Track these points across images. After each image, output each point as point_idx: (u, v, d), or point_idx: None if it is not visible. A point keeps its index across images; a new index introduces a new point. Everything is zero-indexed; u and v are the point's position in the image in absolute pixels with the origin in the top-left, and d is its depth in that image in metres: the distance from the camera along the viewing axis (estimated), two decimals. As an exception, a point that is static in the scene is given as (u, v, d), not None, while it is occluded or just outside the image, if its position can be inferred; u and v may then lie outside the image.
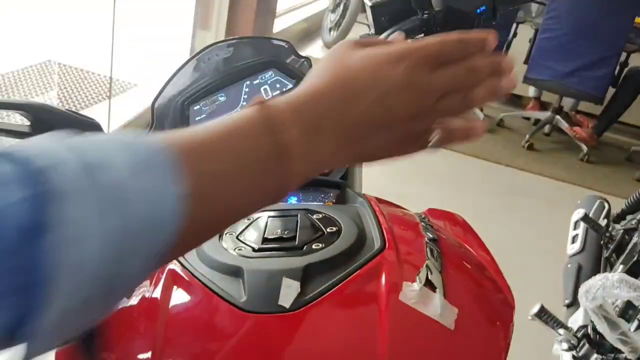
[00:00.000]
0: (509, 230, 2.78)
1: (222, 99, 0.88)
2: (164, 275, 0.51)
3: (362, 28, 5.93)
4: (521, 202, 3.33)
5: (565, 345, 1.61)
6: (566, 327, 1.65)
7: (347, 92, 0.43)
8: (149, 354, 0.45)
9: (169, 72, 0.88)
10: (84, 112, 3.15)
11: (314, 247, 0.52)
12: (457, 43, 0.46)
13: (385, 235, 0.55)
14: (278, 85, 0.90)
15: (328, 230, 0.55)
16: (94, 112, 3.16)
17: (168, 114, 0.86)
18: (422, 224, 0.63)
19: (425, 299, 0.48)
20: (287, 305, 0.46)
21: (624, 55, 4.12)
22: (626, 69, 4.15)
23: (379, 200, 0.67)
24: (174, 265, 0.52)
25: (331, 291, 0.47)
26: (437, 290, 0.49)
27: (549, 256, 2.43)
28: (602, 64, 3.80)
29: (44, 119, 0.59)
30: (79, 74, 3.59)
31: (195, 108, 0.86)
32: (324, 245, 0.52)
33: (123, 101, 3.31)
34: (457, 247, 0.63)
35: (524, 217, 3.11)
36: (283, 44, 0.95)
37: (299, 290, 0.47)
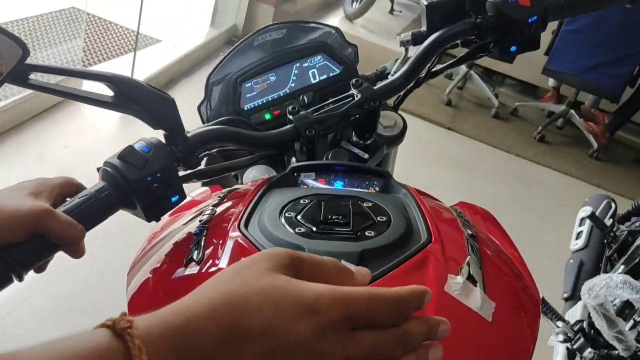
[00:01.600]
0: (514, 220, 2.83)
1: (272, 78, 0.92)
2: (231, 246, 0.56)
3: (385, 2, 5.88)
4: (528, 193, 3.38)
5: (561, 337, 1.69)
6: (564, 320, 1.72)
7: (232, 335, 0.34)
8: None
9: (192, 31, 0.91)
10: (108, 63, 3.17)
11: (367, 234, 0.57)
12: (392, 303, 0.38)
13: (430, 228, 0.60)
14: (326, 69, 0.94)
15: (378, 219, 0.60)
16: (118, 64, 3.19)
17: (221, 88, 0.91)
18: (460, 219, 0.68)
19: (468, 292, 0.54)
20: (345, 286, 0.51)
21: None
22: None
23: (419, 192, 0.72)
24: (239, 238, 0.57)
25: (384, 277, 0.53)
26: (478, 284, 0.55)
27: (551, 249, 2.49)
28: (623, 63, 3.80)
29: (126, 92, 0.63)
30: (105, 25, 3.60)
31: (247, 85, 0.90)
32: (376, 233, 0.57)
33: (147, 55, 3.34)
34: (491, 243, 0.68)
35: (530, 208, 3.17)
36: (332, 30, 0.98)
37: (356, 273, 0.52)
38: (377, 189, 0.73)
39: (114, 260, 1.20)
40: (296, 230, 0.58)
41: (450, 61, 0.94)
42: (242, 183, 0.88)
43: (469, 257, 0.57)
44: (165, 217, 0.71)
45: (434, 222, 0.61)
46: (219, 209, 0.68)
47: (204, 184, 0.90)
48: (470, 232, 0.63)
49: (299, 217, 0.60)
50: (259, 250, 0.55)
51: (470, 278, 0.55)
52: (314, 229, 0.58)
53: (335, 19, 5.36)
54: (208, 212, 0.66)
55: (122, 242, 1.18)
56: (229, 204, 0.69)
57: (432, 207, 0.67)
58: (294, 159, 0.84)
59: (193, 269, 0.56)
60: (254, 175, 0.85)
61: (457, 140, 3.78)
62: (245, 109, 0.90)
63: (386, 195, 0.69)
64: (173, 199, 0.65)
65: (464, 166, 3.48)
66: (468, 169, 3.46)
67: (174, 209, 0.68)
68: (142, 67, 3.05)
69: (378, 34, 5.18)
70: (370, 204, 0.63)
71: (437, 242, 0.57)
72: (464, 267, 0.56)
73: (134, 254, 0.68)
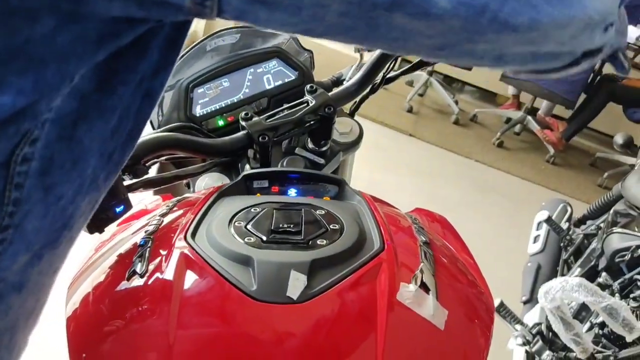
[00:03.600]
0: (474, 225, 2.87)
1: (226, 84, 0.90)
2: (177, 257, 0.54)
3: None
4: (487, 198, 3.44)
5: (520, 341, 1.70)
6: (522, 323, 1.74)
7: None
8: (163, 333, 0.48)
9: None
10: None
11: (318, 242, 0.56)
12: None
13: (383, 235, 0.59)
14: (281, 75, 0.93)
15: (331, 227, 0.59)
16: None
17: (172, 94, 0.88)
18: (415, 225, 0.68)
19: (420, 300, 0.53)
20: (294, 297, 0.49)
21: (598, 62, 4.24)
22: (599, 77, 4.27)
23: (374, 199, 0.71)
24: (185, 249, 0.55)
25: (335, 286, 0.51)
26: (430, 292, 0.54)
27: (509, 253, 2.53)
28: (578, 70, 3.90)
29: None
30: None
31: (199, 91, 0.88)
32: (327, 241, 0.56)
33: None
34: (445, 250, 0.67)
35: (489, 212, 3.22)
36: (287, 35, 0.97)
37: (306, 283, 0.51)
38: (332, 196, 0.72)
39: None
40: (245, 239, 0.56)
41: (406, 67, 0.94)
42: (194, 191, 0.85)
43: (422, 264, 0.56)
44: (114, 226, 0.69)
45: (387, 230, 0.60)
46: (166, 219, 0.65)
47: (156, 193, 0.87)
48: (424, 239, 0.63)
49: (248, 226, 0.58)
50: (206, 262, 0.53)
51: (423, 286, 0.54)
52: (264, 238, 0.56)
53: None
54: (155, 222, 0.64)
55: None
56: (177, 213, 0.67)
57: (387, 214, 0.66)
58: (247, 167, 0.83)
59: (135, 282, 0.54)
60: (207, 183, 0.83)
61: (419, 146, 3.81)
62: (198, 114, 0.87)
63: (340, 203, 0.68)
64: (117, 210, 0.62)
65: (425, 172, 3.51)
66: (429, 174, 3.49)
67: (121, 219, 0.65)
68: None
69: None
70: (323, 212, 0.62)
71: (389, 249, 0.56)
72: (416, 275, 0.55)
73: (75, 265, 0.65)
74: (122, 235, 0.68)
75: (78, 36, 0.33)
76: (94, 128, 0.38)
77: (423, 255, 0.59)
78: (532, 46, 0.39)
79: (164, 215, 0.66)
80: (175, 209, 0.69)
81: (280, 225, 0.58)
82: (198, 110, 0.88)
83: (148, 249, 0.57)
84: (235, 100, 0.90)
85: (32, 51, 0.32)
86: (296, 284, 0.50)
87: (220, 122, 0.88)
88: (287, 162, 0.83)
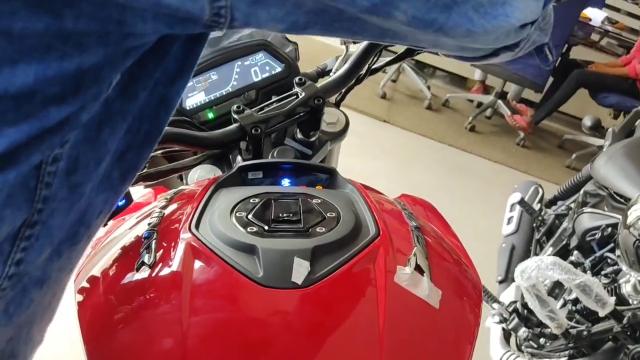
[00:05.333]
0: (449, 208, 2.91)
1: (214, 77, 0.92)
2: (183, 248, 0.57)
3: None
4: (461, 181, 3.51)
5: (497, 319, 1.77)
6: (499, 302, 1.81)
7: None
8: (177, 320, 0.51)
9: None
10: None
11: (318, 230, 0.59)
12: None
13: (378, 222, 0.62)
14: (267, 68, 0.95)
15: (328, 215, 0.62)
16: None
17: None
18: (404, 211, 0.71)
19: (416, 282, 0.56)
20: (299, 282, 0.52)
21: (564, 48, 4.34)
22: (566, 62, 4.38)
23: (365, 187, 0.74)
24: (190, 240, 0.57)
25: (337, 271, 0.54)
26: (425, 273, 0.57)
27: (484, 234, 2.60)
28: (546, 54, 3.99)
29: None
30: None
31: (188, 84, 0.89)
32: (326, 229, 0.59)
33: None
34: (434, 233, 0.71)
35: (463, 195, 3.29)
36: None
37: (309, 269, 0.54)
38: (324, 185, 0.75)
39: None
40: (248, 229, 0.58)
41: (390, 58, 0.97)
42: (186, 184, 0.87)
43: (415, 248, 0.60)
44: (109, 222, 0.70)
45: (380, 216, 0.63)
46: (166, 211, 0.67)
47: (146, 186, 0.89)
48: (414, 224, 0.66)
49: (250, 216, 0.60)
50: (212, 251, 0.56)
51: (418, 268, 0.57)
52: (266, 227, 0.59)
53: None
54: (156, 214, 0.66)
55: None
56: (176, 205, 0.69)
57: (378, 201, 0.69)
58: (239, 158, 0.85)
59: (145, 273, 0.56)
60: (200, 175, 0.84)
61: (393, 131, 3.86)
62: (188, 108, 0.89)
63: (334, 192, 0.71)
64: (119, 204, 0.64)
65: (400, 157, 3.56)
66: (403, 159, 3.54)
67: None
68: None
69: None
70: (319, 201, 0.64)
71: (385, 235, 0.60)
72: (411, 258, 0.58)
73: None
74: (120, 230, 0.69)
75: (115, 50, 0.35)
76: (116, 131, 0.40)
77: (415, 240, 0.62)
78: (462, 44, 0.49)
79: (164, 207, 0.68)
80: (173, 201, 0.71)
81: (280, 215, 0.60)
82: (188, 104, 0.90)
83: (154, 241, 0.60)
84: (225, 93, 0.91)
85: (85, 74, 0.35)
86: (300, 269, 0.53)
87: (211, 115, 0.90)
88: (277, 152, 0.85)
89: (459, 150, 3.88)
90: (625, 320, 1.30)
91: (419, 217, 0.73)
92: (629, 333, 1.31)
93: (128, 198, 0.65)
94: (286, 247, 0.55)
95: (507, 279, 2.06)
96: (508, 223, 2.29)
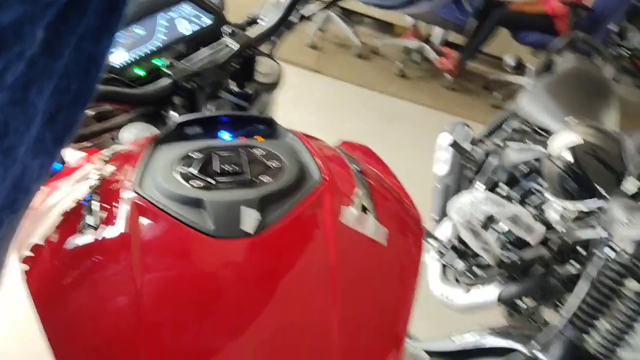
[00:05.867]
0: (381, 153, 2.98)
1: (138, 31, 0.88)
2: (128, 207, 0.56)
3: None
4: (393, 127, 3.57)
5: (434, 255, 1.85)
6: (436, 239, 1.89)
7: None
8: (129, 279, 0.50)
9: None
10: None
11: (263, 179, 0.59)
12: None
13: (321, 168, 0.63)
14: (196, 20, 0.92)
15: (273, 164, 0.62)
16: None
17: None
18: (346, 157, 0.73)
19: (362, 221, 0.58)
20: (251, 230, 0.53)
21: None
22: (487, 2, 4.46)
23: (306, 136, 0.75)
24: (134, 199, 0.57)
25: (286, 217, 0.55)
26: (370, 213, 0.59)
27: (417, 176, 2.68)
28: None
29: None
30: None
31: (113, 40, 0.86)
32: (272, 178, 0.59)
33: None
34: (375, 175, 0.73)
35: (395, 141, 3.36)
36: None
37: (260, 218, 0.54)
38: (264, 135, 0.75)
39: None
40: (193, 184, 0.58)
41: (322, 5, 0.96)
42: (121, 143, 0.85)
43: (359, 190, 0.62)
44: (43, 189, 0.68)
45: (324, 162, 0.64)
46: (105, 172, 0.66)
47: (78, 149, 0.86)
48: (357, 168, 0.68)
49: (194, 170, 0.60)
50: (159, 208, 0.55)
51: (363, 209, 0.59)
52: (211, 180, 0.58)
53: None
54: (95, 176, 0.64)
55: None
56: (115, 165, 0.67)
57: (320, 149, 0.70)
58: (172, 114, 0.83)
59: (90, 236, 0.55)
60: (133, 133, 0.82)
61: (324, 81, 3.86)
62: (117, 66, 0.86)
63: (275, 142, 0.71)
64: (57, 168, 0.62)
65: (332, 106, 3.58)
66: (335, 108, 3.56)
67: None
68: None
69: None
70: (262, 151, 0.65)
71: (329, 180, 0.61)
72: (356, 200, 0.60)
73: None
74: (60, 194, 0.67)
75: (34, 5, 0.33)
76: (44, 90, 0.39)
77: (359, 182, 0.64)
78: None
79: (101, 169, 0.67)
80: (111, 161, 0.69)
81: (225, 167, 0.60)
82: (115, 61, 0.86)
83: (96, 203, 0.58)
84: (154, 49, 0.88)
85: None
86: (250, 219, 0.54)
87: (141, 71, 0.87)
88: (213, 106, 0.84)
89: (390, 97, 3.94)
90: (553, 246, 1.39)
91: (360, 161, 0.75)
92: (556, 257, 1.40)
93: (61, 160, 0.63)
94: (234, 199, 0.56)
95: (443, 217, 2.14)
96: (440, 164, 2.37)
